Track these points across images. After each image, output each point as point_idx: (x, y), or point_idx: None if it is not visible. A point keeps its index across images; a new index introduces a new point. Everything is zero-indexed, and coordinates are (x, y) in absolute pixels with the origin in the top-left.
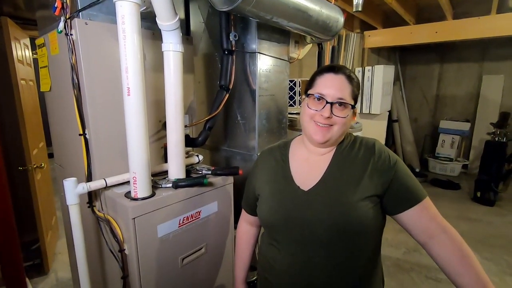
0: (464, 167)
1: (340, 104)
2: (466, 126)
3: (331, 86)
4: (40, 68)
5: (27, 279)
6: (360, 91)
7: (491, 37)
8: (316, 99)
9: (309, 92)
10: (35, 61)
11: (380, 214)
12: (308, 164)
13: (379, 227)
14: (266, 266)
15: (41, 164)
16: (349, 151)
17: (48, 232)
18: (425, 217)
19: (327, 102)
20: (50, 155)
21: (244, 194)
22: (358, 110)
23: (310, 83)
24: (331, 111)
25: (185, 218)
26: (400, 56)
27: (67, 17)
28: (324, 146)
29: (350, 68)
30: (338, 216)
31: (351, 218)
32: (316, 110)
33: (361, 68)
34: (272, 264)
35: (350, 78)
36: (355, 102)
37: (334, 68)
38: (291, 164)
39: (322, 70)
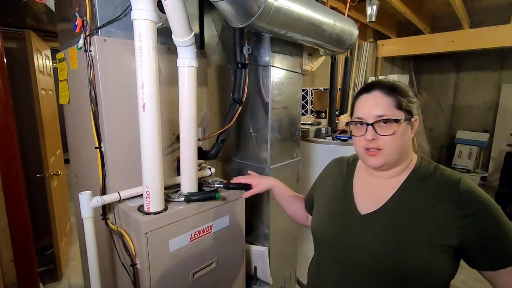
0: (483, 179)
1: (384, 121)
2: (484, 137)
3: (365, 106)
4: (60, 81)
5: (40, 285)
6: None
7: (510, 46)
8: (357, 124)
9: (350, 120)
10: (55, 70)
11: (450, 266)
12: (372, 186)
13: (443, 279)
14: (310, 280)
15: (58, 171)
16: (424, 183)
17: (62, 238)
18: None
19: (367, 124)
20: (67, 161)
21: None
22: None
23: (352, 110)
24: (375, 131)
25: (196, 233)
26: (414, 64)
27: (87, 34)
28: (383, 170)
29: (363, 78)
30: (388, 253)
31: (402, 261)
32: (361, 136)
33: (374, 77)
34: (313, 278)
35: (389, 90)
36: (408, 111)
37: (367, 88)
38: (355, 181)
39: (357, 93)
